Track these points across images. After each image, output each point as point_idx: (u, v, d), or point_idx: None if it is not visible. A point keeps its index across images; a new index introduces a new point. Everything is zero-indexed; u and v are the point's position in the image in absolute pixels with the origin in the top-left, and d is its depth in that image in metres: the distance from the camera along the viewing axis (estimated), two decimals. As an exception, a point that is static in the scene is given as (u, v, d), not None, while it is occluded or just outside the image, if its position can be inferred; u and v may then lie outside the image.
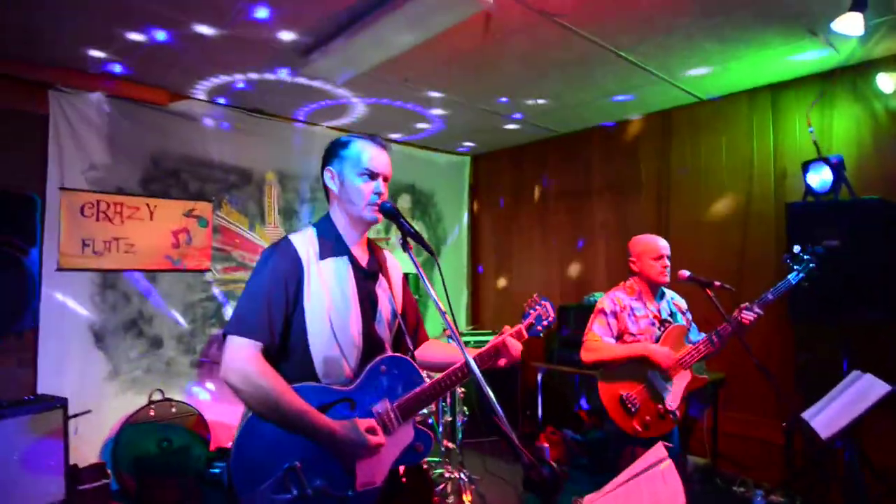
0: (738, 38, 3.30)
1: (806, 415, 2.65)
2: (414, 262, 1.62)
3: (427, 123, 5.01)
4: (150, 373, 4.11)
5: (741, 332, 2.51)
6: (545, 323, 1.92)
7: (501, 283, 6.10)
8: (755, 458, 4.03)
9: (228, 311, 4.50)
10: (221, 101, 4.37)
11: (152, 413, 3.95)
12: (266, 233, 4.74)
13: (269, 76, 3.83)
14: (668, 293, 2.83)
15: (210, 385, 4.37)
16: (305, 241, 1.67)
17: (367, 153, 1.70)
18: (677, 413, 2.59)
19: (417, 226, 5.93)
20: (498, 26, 3.12)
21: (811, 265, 2.63)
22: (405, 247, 1.66)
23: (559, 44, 3.36)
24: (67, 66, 3.63)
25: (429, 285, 1.56)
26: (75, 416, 3.27)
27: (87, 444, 3.71)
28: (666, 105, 4.56)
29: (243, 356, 1.50)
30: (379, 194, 1.70)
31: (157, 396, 4.05)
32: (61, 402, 3.06)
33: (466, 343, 5.05)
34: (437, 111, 4.67)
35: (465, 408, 3.96)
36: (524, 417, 5.27)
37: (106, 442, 3.84)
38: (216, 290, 4.45)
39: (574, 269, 5.35)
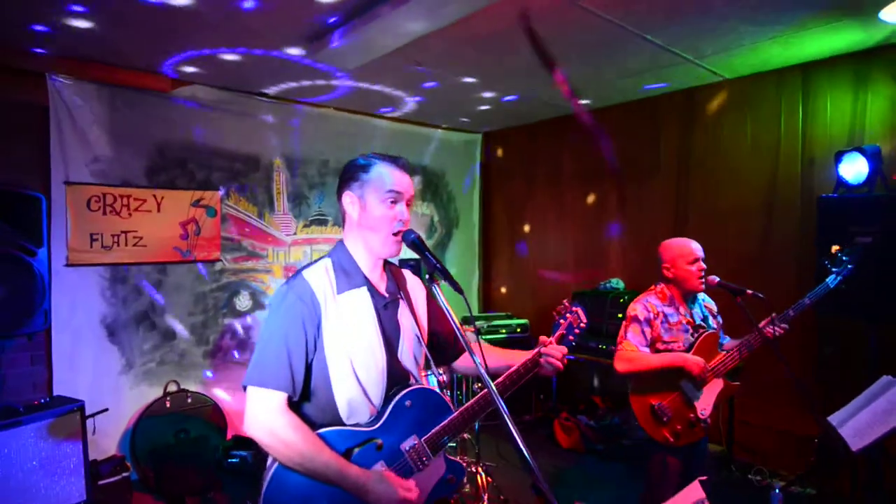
0: (775, 20, 3.11)
1: (834, 420, 2.58)
2: (441, 301, 1.53)
3: (436, 103, 4.82)
4: (164, 364, 4.10)
5: (773, 343, 2.43)
6: (577, 331, 1.83)
7: (514, 265, 6.01)
8: (771, 447, 4.01)
9: (240, 301, 4.46)
10: (226, 85, 4.20)
11: (168, 404, 3.96)
12: (275, 220, 4.65)
13: (277, 62, 3.66)
14: (700, 294, 2.73)
15: (225, 375, 4.37)
16: (321, 277, 1.57)
17: (391, 176, 1.59)
18: (709, 421, 2.54)
19: (429, 207, 5.81)
20: (518, 11, 2.94)
21: (849, 266, 2.53)
22: (431, 281, 1.56)
23: (583, 27, 3.18)
24: (64, 55, 3.48)
25: (457, 325, 1.48)
26: (93, 415, 3.27)
27: (105, 437, 3.73)
28: (689, 84, 4.36)
29: (267, 409, 1.43)
30: (403, 221, 1.60)
31: (172, 388, 4.06)
32: (79, 405, 3.04)
33: (479, 329, 5.02)
34: (447, 93, 4.49)
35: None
36: (537, 401, 5.27)
37: (123, 434, 3.87)
38: (227, 280, 4.40)
39: (589, 253, 5.24)
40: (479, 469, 3.69)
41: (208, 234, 4.25)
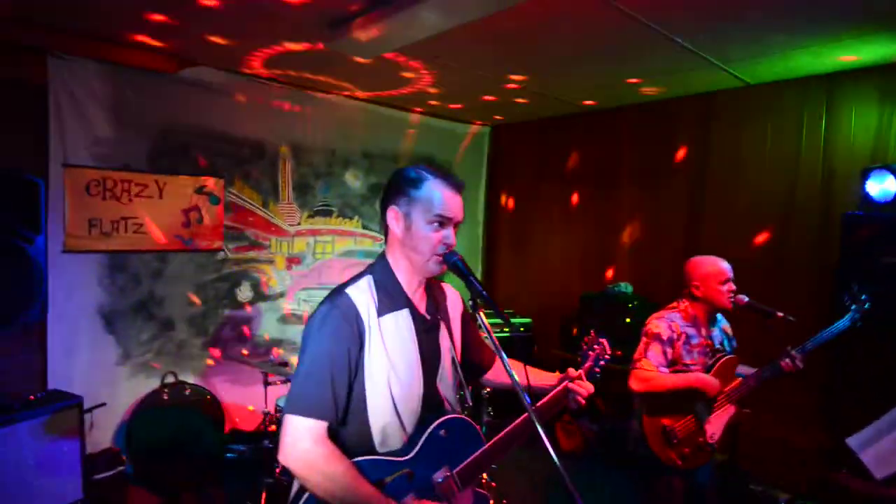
0: (807, 30, 3.02)
1: (853, 443, 2.55)
2: (488, 331, 1.45)
3: (449, 95, 4.68)
4: (162, 355, 3.98)
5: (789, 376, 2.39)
6: (602, 363, 1.82)
7: (518, 262, 5.92)
8: (776, 459, 4.00)
9: (241, 291, 4.34)
10: (234, 68, 4.03)
11: (165, 397, 3.85)
12: (280, 210, 4.52)
13: (291, 48, 3.51)
14: (718, 316, 2.67)
15: (224, 368, 4.26)
16: (365, 296, 1.48)
17: (441, 196, 1.49)
18: (716, 446, 2.50)
19: (434, 201, 5.69)
20: (546, 10, 2.82)
21: (866, 306, 2.48)
22: (475, 308, 1.48)
23: (611, 27, 3.07)
24: (66, 31, 3.29)
25: (497, 346, 1.41)
26: (90, 410, 3.16)
27: (99, 430, 3.60)
28: (709, 87, 4.26)
29: (307, 439, 1.35)
30: (448, 245, 1.51)
31: (169, 379, 3.95)
32: (76, 401, 2.93)
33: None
34: (461, 85, 4.35)
35: (490, 408, 3.88)
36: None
37: (119, 426, 3.76)
38: (228, 270, 4.27)
39: (596, 255, 5.17)
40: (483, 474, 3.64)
41: (211, 222, 4.11)
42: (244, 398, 4.29)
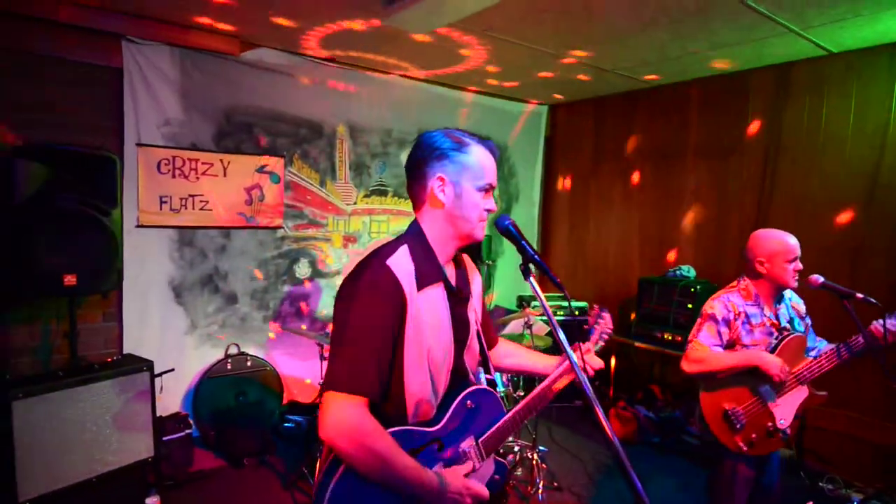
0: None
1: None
2: (539, 297, 1.40)
3: (505, 73, 4.61)
4: (226, 327, 4.17)
5: (877, 348, 2.18)
6: (605, 336, 1.82)
7: (575, 244, 5.80)
8: (846, 456, 3.76)
9: (299, 268, 4.47)
10: (294, 49, 4.12)
11: (229, 366, 4.04)
12: (337, 189, 4.60)
13: (345, 25, 3.54)
14: (786, 293, 2.49)
15: (283, 341, 4.42)
16: (404, 269, 1.41)
17: (487, 163, 1.47)
18: (788, 431, 2.34)
19: (489, 182, 5.64)
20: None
21: None
22: (526, 274, 1.45)
23: (679, -7, 2.91)
24: (138, 15, 3.46)
25: (562, 335, 1.37)
26: (161, 374, 3.35)
27: (169, 395, 3.82)
28: (785, 58, 3.98)
29: (353, 415, 1.31)
30: (490, 211, 1.49)
31: (233, 350, 4.13)
32: (148, 364, 3.12)
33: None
34: (518, 62, 4.26)
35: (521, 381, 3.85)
36: (592, 388, 5.12)
37: (186, 393, 3.98)
38: (288, 247, 4.41)
39: (657, 237, 4.98)
40: (535, 454, 3.62)
41: (272, 200, 4.24)
42: (302, 371, 4.44)
